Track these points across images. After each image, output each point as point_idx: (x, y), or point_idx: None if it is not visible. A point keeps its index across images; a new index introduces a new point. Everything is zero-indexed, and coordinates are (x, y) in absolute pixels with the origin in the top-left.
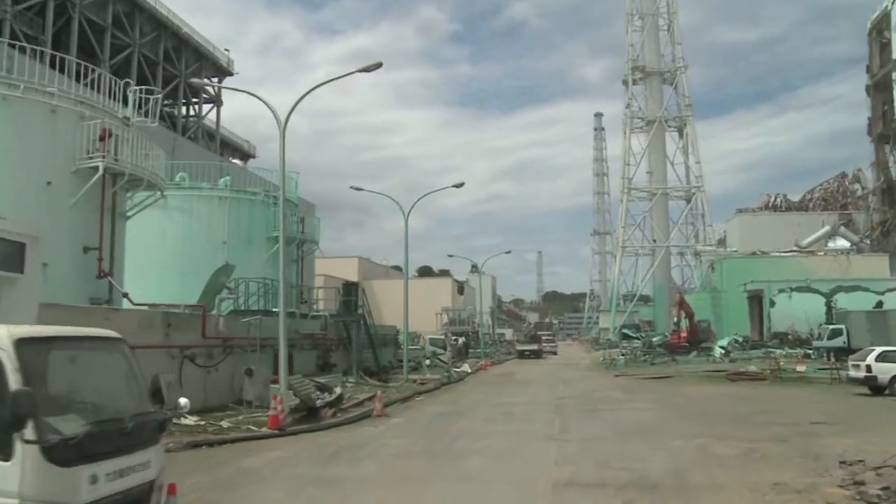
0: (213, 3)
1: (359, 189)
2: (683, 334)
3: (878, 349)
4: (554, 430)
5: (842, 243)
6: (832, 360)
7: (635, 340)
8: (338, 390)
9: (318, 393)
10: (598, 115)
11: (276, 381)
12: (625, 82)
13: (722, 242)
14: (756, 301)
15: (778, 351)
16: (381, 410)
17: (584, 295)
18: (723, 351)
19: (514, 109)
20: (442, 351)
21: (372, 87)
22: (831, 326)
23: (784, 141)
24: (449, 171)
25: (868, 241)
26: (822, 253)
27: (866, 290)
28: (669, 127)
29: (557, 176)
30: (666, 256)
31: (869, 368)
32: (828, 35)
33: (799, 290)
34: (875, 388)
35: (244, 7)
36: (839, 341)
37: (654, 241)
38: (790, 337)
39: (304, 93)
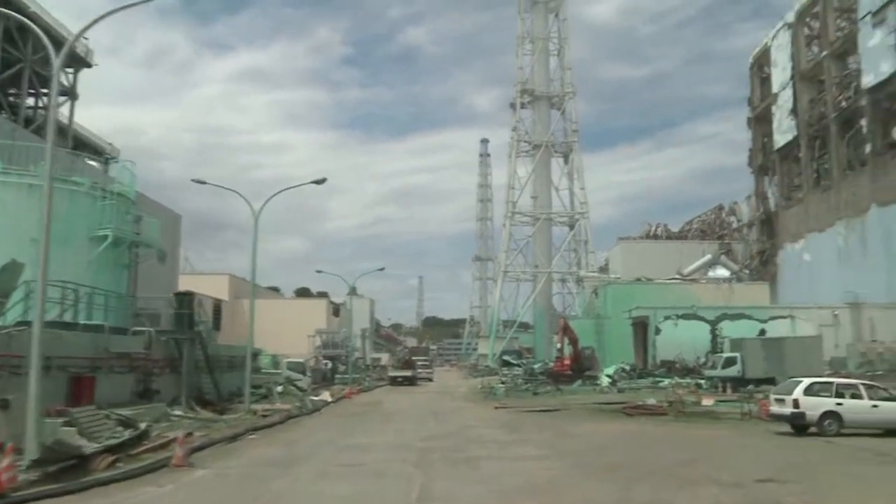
0: (96, 7)
1: (201, 182)
2: (567, 361)
3: (806, 381)
4: (411, 499)
5: (721, 272)
6: (728, 390)
7: (516, 367)
8: (142, 426)
9: (119, 430)
10: (485, 142)
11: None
12: (513, 105)
13: (604, 269)
14: (640, 328)
15: (667, 380)
16: (182, 459)
17: (464, 321)
18: (610, 380)
19: (404, 134)
20: (300, 377)
21: (263, 106)
22: (725, 355)
23: (664, 175)
24: (336, 192)
25: (747, 271)
26: (703, 281)
27: (750, 317)
28: (556, 153)
29: (443, 201)
30: (548, 282)
31: (797, 404)
32: (708, 76)
33: (685, 317)
34: (801, 426)
35: (131, 15)
36: (734, 370)
37: (537, 266)
38: (678, 365)
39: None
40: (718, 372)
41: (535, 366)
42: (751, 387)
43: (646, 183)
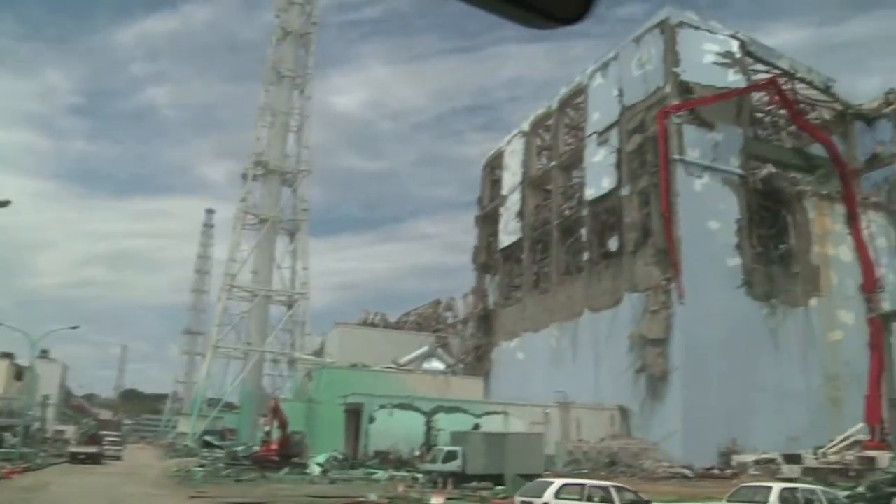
0: None
1: None
2: (274, 446)
3: (557, 482)
4: None
5: (437, 365)
6: (448, 486)
7: (218, 449)
8: None
9: None
10: (210, 212)
11: None
12: (244, 176)
13: (319, 353)
14: (354, 415)
15: (380, 472)
16: None
17: (167, 396)
18: (320, 468)
19: (127, 194)
20: None
21: None
22: (447, 448)
23: (385, 267)
24: (45, 246)
25: (462, 365)
26: (419, 372)
27: (466, 411)
28: (282, 230)
29: (159, 270)
30: (260, 362)
31: None
32: (437, 178)
33: (401, 406)
34: None
35: None
36: (454, 465)
37: (250, 344)
38: (391, 456)
39: None
40: (438, 466)
41: (239, 448)
42: (474, 483)
43: (367, 273)
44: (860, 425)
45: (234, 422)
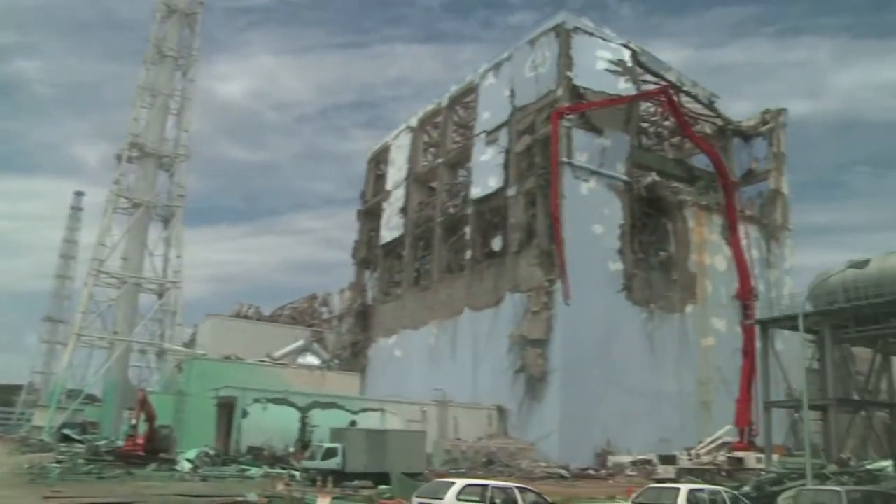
0: None
1: None
2: (140, 440)
3: (459, 482)
4: None
5: (311, 359)
6: (329, 484)
7: (78, 444)
8: None
9: None
10: (79, 194)
11: None
12: (118, 157)
13: (189, 345)
14: (226, 409)
15: (254, 468)
16: None
17: (21, 387)
18: (191, 465)
19: None
20: None
21: None
22: (326, 445)
23: (260, 261)
24: None
25: (338, 361)
26: (294, 366)
27: (342, 407)
28: (157, 216)
29: (20, 254)
30: (126, 352)
31: None
32: (317, 173)
33: (275, 401)
34: None
35: None
36: (334, 462)
37: (116, 333)
38: (265, 453)
39: None
40: (317, 463)
41: (101, 442)
42: (356, 482)
43: (242, 266)
44: (728, 427)
45: (96, 415)
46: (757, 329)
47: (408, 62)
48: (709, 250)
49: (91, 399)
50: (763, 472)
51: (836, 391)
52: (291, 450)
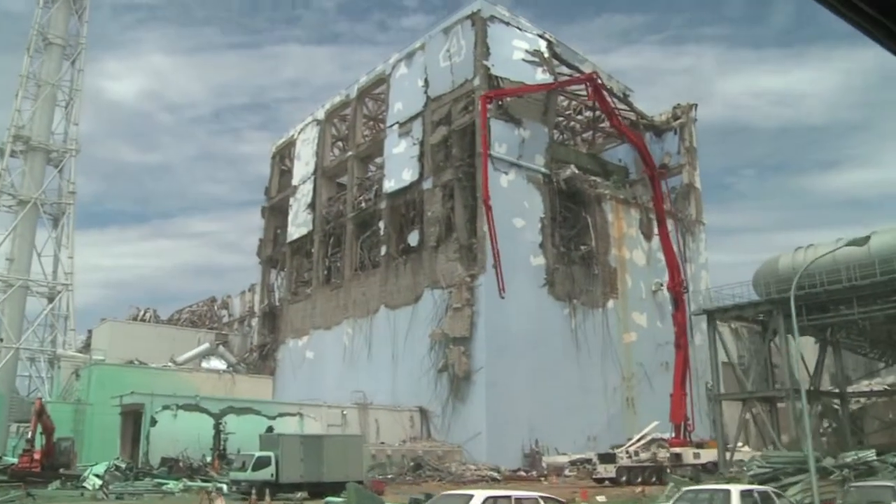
0: None
1: None
2: (37, 455)
3: (481, 495)
4: None
5: (216, 363)
6: (266, 497)
7: None
8: None
9: None
10: None
11: None
12: (1, 151)
13: (83, 351)
14: (132, 417)
15: (172, 482)
16: None
17: None
18: (100, 480)
19: None
20: None
21: None
22: (258, 454)
23: (152, 265)
24: None
25: (244, 364)
26: (202, 370)
27: (258, 412)
28: (45, 213)
29: None
30: (14, 359)
31: None
32: (213, 176)
33: (186, 408)
34: None
35: None
36: (267, 473)
37: (2, 339)
38: (181, 464)
39: None
40: (248, 475)
41: None
42: (300, 495)
43: (133, 270)
44: (655, 423)
45: None
46: (703, 320)
47: (302, 63)
48: (627, 244)
49: None
50: (747, 468)
51: (792, 382)
52: (209, 459)
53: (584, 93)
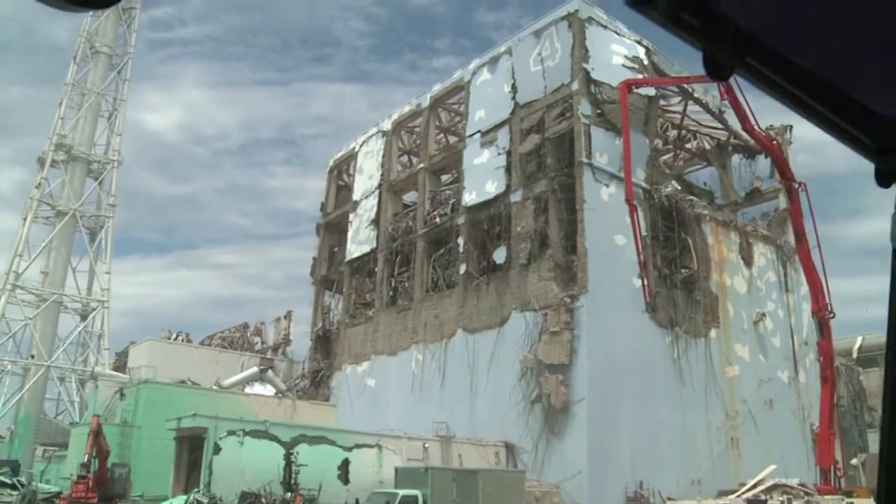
0: None
1: None
2: (91, 483)
3: None
4: None
5: (259, 389)
6: None
7: (10, 490)
8: None
9: None
10: None
11: None
12: (41, 160)
13: (121, 371)
14: (187, 443)
15: None
16: None
17: None
18: None
19: None
20: None
21: None
22: (402, 492)
23: (173, 294)
24: None
25: (295, 391)
26: (260, 395)
27: (332, 442)
28: (84, 227)
29: None
30: (44, 379)
31: None
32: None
33: (254, 434)
34: None
35: None
36: None
37: (33, 356)
38: (264, 500)
39: None
40: None
41: (39, 485)
42: None
43: (156, 299)
44: (773, 467)
45: (5, 451)
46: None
47: (330, 101)
48: (728, 270)
49: None
50: None
51: None
52: (289, 495)
53: (675, 110)
